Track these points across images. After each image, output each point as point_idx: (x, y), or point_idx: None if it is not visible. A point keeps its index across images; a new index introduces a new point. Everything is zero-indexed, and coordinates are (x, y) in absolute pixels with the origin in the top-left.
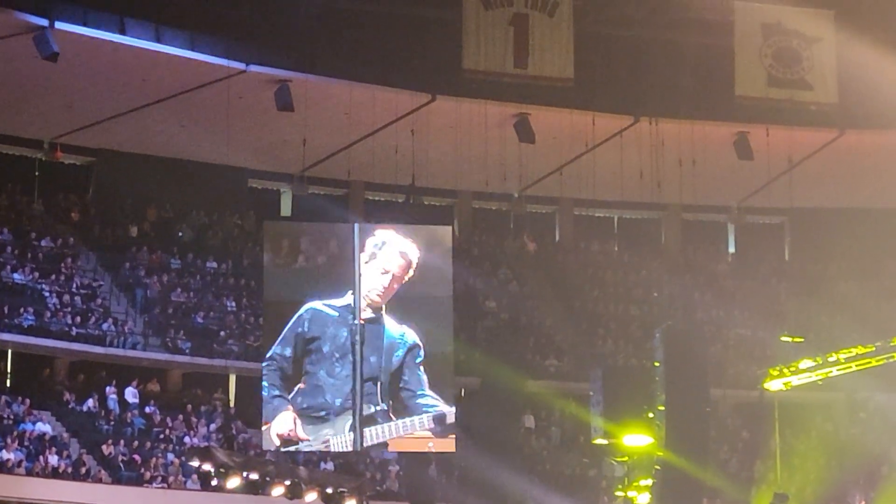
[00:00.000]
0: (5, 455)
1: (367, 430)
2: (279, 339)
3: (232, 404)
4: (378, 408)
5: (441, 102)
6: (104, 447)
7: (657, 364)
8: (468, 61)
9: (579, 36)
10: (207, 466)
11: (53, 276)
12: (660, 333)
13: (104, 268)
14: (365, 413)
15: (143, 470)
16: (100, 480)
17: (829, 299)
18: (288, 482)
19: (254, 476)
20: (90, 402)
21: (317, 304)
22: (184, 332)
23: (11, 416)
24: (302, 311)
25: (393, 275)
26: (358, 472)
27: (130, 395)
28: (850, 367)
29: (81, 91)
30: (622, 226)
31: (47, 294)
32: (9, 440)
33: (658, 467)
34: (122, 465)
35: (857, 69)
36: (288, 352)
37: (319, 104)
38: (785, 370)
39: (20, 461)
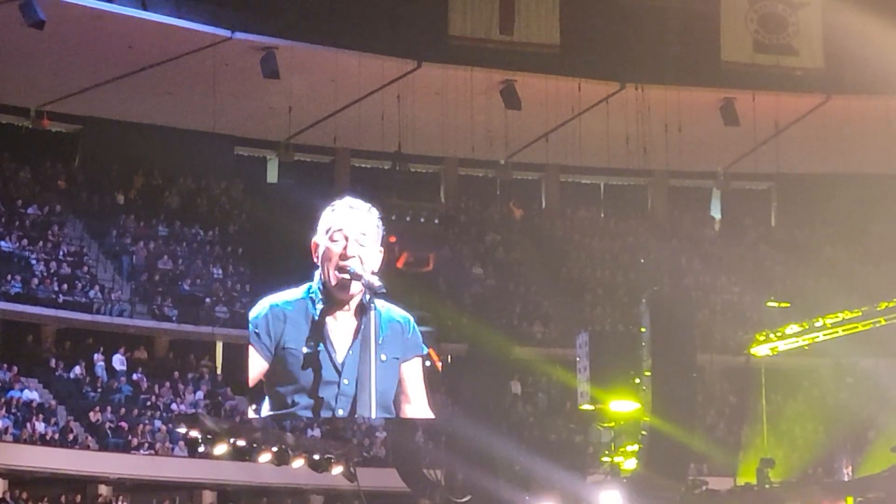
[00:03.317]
0: None
1: None
2: None
3: (219, 371)
4: None
5: (427, 69)
6: (91, 414)
7: (644, 330)
8: (454, 27)
9: (565, 2)
10: (195, 433)
11: (40, 244)
12: (646, 299)
13: (91, 235)
14: None
15: (130, 437)
16: (87, 447)
17: (815, 264)
18: (275, 449)
19: (241, 443)
20: (77, 370)
21: None
22: (171, 300)
23: None
24: None
25: None
26: (345, 438)
27: (117, 362)
28: (837, 331)
29: (68, 59)
30: (608, 192)
31: (34, 261)
32: None
33: (645, 433)
34: (109, 431)
35: (844, 34)
36: None
37: (305, 71)
38: (772, 335)
39: (7, 428)
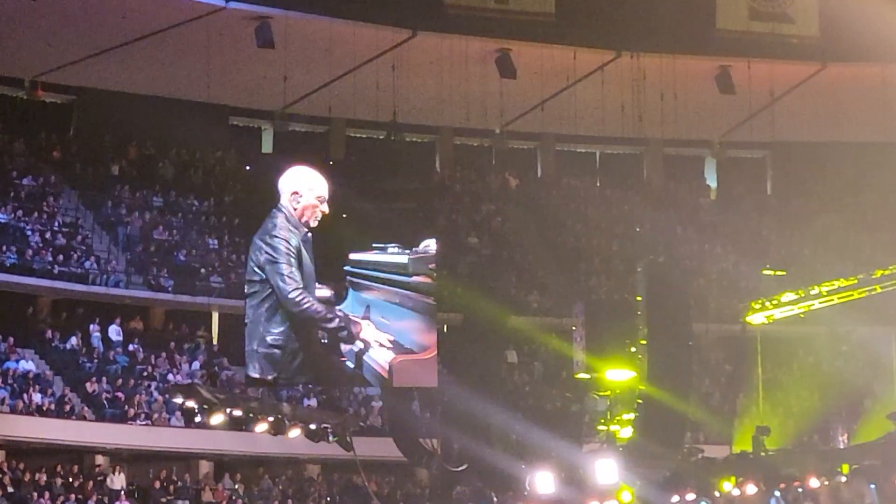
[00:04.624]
0: None
1: None
2: None
3: (215, 341)
4: None
5: (422, 38)
6: (88, 385)
7: (639, 299)
8: None
9: None
10: (191, 403)
11: (35, 215)
12: (642, 268)
13: (86, 206)
14: None
15: (126, 407)
16: (84, 418)
17: (810, 233)
18: (271, 418)
19: (237, 412)
20: (73, 340)
21: None
22: (166, 270)
23: None
24: None
25: None
26: (341, 408)
27: (114, 332)
28: (832, 299)
29: (61, 29)
30: (604, 161)
31: (29, 232)
32: None
33: (640, 401)
34: (105, 402)
35: (839, 2)
36: None
37: (300, 41)
38: (767, 303)
39: (4, 399)
